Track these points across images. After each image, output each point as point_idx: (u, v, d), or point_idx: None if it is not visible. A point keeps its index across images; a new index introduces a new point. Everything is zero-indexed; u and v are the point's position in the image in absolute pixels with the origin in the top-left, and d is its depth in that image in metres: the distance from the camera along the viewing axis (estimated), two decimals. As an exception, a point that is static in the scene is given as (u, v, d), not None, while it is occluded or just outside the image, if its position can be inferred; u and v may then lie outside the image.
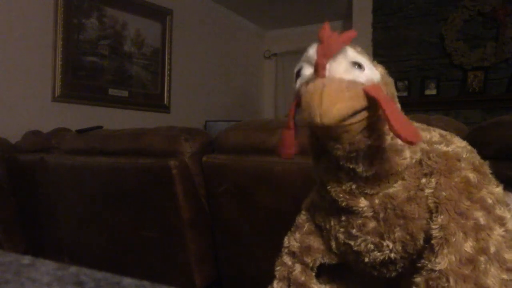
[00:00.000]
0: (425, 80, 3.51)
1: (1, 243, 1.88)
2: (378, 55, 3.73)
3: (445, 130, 0.85)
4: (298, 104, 0.44)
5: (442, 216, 0.49)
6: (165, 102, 3.67)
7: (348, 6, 4.07)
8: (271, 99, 5.03)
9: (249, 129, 1.16)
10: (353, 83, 0.43)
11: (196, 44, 4.01)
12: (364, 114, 0.44)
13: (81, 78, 2.97)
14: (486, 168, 0.53)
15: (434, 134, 0.56)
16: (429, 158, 0.52)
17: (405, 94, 3.58)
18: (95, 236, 1.53)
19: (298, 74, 0.47)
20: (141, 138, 1.34)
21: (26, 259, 0.46)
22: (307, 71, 0.45)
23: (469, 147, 0.56)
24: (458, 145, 0.55)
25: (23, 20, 2.61)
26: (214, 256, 1.27)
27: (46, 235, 1.84)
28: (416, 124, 0.58)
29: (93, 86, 3.06)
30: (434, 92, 3.47)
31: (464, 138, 0.82)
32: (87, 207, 1.53)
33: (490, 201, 0.49)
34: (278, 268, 0.66)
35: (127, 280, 0.41)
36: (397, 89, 3.68)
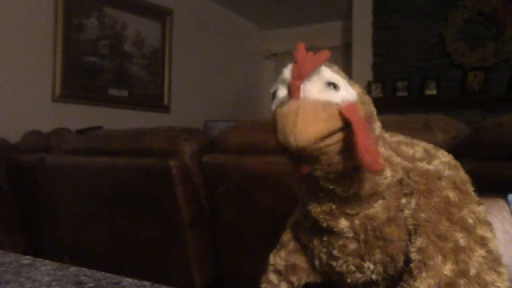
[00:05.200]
0: (425, 80, 3.51)
1: (1, 243, 1.88)
2: (378, 55, 3.74)
3: (446, 130, 0.85)
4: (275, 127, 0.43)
5: (420, 239, 0.48)
6: (165, 102, 3.67)
7: (348, 6, 4.07)
8: (271, 99, 5.02)
9: (249, 129, 1.16)
10: (328, 104, 0.42)
11: (196, 44, 4.02)
12: (340, 135, 0.43)
13: (81, 78, 2.97)
14: (468, 186, 0.52)
15: (418, 149, 0.55)
16: (409, 178, 0.51)
17: (405, 94, 3.58)
18: (95, 236, 1.54)
19: (274, 95, 0.46)
20: (141, 138, 1.34)
21: (26, 259, 0.46)
22: (282, 92, 0.45)
23: (453, 162, 0.54)
24: (442, 160, 0.53)
25: (23, 20, 2.61)
26: (214, 256, 1.28)
27: (46, 235, 1.84)
28: (400, 137, 0.57)
29: (93, 86, 3.06)
30: (434, 92, 3.47)
31: (464, 138, 0.83)
32: (87, 207, 1.53)
33: (471, 221, 0.48)
34: (264, 285, 0.65)
35: (127, 280, 0.41)
36: (397, 89, 3.68)
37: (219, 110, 4.28)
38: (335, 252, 0.54)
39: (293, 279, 0.62)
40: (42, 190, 1.74)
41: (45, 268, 0.39)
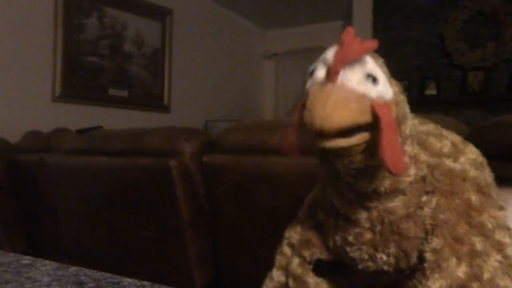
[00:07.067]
0: (425, 80, 3.51)
1: (1, 243, 1.88)
2: (378, 55, 3.74)
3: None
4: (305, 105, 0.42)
5: (436, 240, 0.48)
6: (165, 102, 3.67)
7: (348, 6, 4.06)
8: (271, 99, 5.03)
9: (249, 129, 1.16)
10: (362, 96, 0.41)
11: (196, 44, 4.02)
12: (366, 136, 0.43)
13: (81, 78, 2.97)
14: (491, 189, 0.52)
15: (446, 142, 0.54)
16: (433, 176, 0.50)
17: (405, 94, 3.58)
18: (95, 236, 1.53)
19: (312, 74, 0.45)
20: (141, 138, 1.34)
21: (26, 259, 0.46)
22: (320, 73, 0.44)
23: (479, 159, 0.54)
24: (469, 157, 0.53)
25: (23, 20, 2.61)
26: (214, 256, 1.27)
27: (46, 235, 1.84)
28: (430, 127, 0.56)
29: (93, 86, 3.06)
30: (434, 92, 3.48)
31: (464, 139, 0.82)
32: (87, 207, 1.53)
33: (490, 225, 0.48)
34: (278, 257, 0.66)
35: (127, 280, 0.41)
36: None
37: (219, 110, 4.28)
38: (350, 238, 0.54)
39: (306, 254, 0.62)
40: (42, 190, 1.74)
41: (45, 268, 0.39)
